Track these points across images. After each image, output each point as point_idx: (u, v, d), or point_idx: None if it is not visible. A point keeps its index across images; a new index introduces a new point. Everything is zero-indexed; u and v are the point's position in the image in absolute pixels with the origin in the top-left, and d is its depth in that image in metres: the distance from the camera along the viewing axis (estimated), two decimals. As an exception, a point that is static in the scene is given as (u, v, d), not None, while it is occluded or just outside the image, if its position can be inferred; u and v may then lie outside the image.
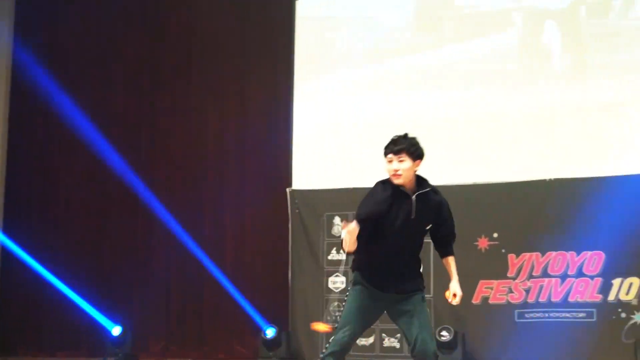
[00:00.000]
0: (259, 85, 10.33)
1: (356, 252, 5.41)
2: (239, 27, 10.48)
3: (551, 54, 9.26)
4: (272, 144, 10.17)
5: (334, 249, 9.65)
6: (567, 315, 8.78)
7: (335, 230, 9.66)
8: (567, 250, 8.80)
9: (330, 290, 9.63)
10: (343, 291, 9.56)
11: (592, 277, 8.76)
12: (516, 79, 9.28)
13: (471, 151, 9.35)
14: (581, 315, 8.76)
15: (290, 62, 10.02)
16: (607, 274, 8.70)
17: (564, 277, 8.82)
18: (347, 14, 10.05)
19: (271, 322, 9.63)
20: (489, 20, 9.52)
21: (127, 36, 11.02)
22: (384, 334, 9.44)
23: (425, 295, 5.68)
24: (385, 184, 5.50)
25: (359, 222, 5.24)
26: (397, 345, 9.35)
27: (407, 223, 5.40)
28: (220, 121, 10.55)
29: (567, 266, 8.82)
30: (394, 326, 9.18)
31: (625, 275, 8.63)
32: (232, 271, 10.01)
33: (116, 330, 9.91)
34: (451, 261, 5.69)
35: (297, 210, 9.78)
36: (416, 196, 5.44)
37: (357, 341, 9.40)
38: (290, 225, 9.80)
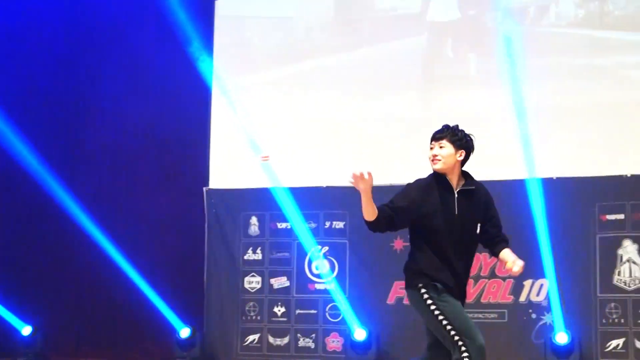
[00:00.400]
0: (177, 84, 10.26)
1: (417, 253, 5.32)
2: (158, 25, 10.39)
3: (461, 60, 9.44)
4: (190, 143, 10.12)
5: (250, 248, 9.68)
6: (480, 315, 8.96)
7: (252, 230, 9.68)
8: (480, 252, 8.96)
9: (246, 291, 9.65)
10: (259, 291, 9.61)
11: (504, 279, 8.96)
12: (426, 82, 9.45)
13: (388, 151, 9.43)
14: (493, 315, 8.96)
15: (209, 60, 9.99)
16: (519, 276, 8.85)
17: (477, 278, 9.00)
18: (266, 14, 10.10)
19: (187, 322, 9.61)
20: (405, 24, 9.66)
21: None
22: (299, 334, 9.51)
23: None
24: (434, 176, 5.39)
25: (395, 207, 5.22)
26: (312, 346, 9.44)
27: (452, 219, 5.29)
28: (139, 119, 10.44)
29: (481, 268, 9.01)
30: (309, 326, 9.43)
31: (536, 277, 8.83)
32: (147, 270, 9.92)
33: (26, 330, 9.75)
34: (506, 251, 5.58)
35: (213, 210, 9.77)
36: (458, 192, 5.34)
37: (272, 341, 9.59)
38: (206, 225, 9.79)
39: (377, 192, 8.34)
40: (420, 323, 8.73)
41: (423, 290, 5.23)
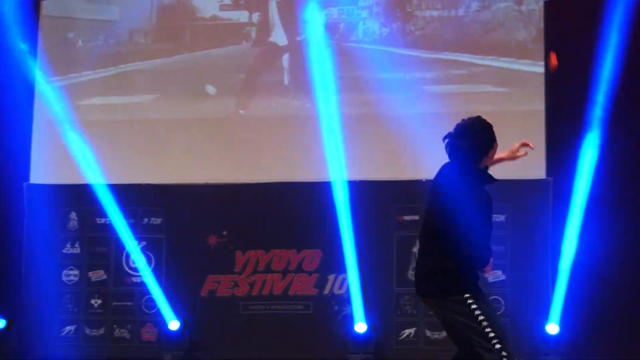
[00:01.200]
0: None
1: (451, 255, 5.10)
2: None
3: (278, 69, 10.02)
4: (11, 139, 10.16)
5: (69, 243, 9.89)
6: (287, 307, 9.55)
7: (71, 225, 9.91)
8: (288, 248, 9.56)
9: (64, 283, 9.85)
10: (77, 284, 9.84)
11: (310, 273, 9.58)
12: (249, 88, 9.97)
13: (202, 152, 9.85)
14: (299, 307, 9.56)
15: (34, 59, 10.09)
16: (323, 270, 9.55)
17: (285, 272, 9.59)
18: (91, 17, 10.26)
19: (2, 315, 9.66)
20: (225, 33, 10.15)
21: None
22: (114, 325, 9.78)
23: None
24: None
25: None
26: (128, 336, 9.76)
27: None
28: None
29: (289, 263, 9.59)
30: (125, 317, 9.70)
31: (339, 272, 9.46)
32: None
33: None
34: None
35: (33, 205, 9.89)
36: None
37: (88, 332, 9.81)
38: (25, 220, 9.90)
39: (189, 189, 8.89)
40: (236, 316, 9.43)
41: (470, 300, 5.10)
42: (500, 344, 5.01)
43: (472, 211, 5.07)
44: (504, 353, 5.01)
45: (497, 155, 5.37)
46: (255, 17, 9.99)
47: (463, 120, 5.25)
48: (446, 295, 5.13)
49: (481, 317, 5.04)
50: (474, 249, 5.10)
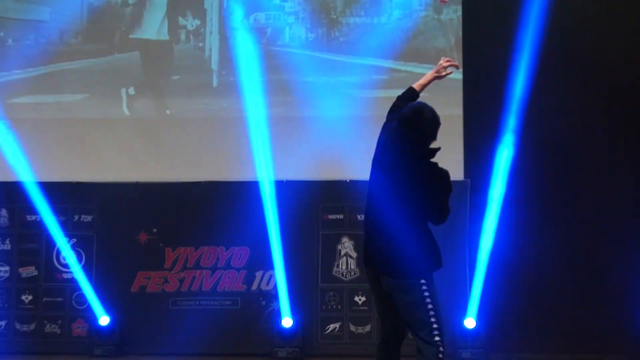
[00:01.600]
0: None
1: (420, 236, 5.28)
2: None
3: (207, 71, 10.25)
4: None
5: (-1, 239, 10.00)
6: (216, 303, 9.78)
7: (1, 221, 9.96)
8: (217, 245, 9.77)
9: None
10: (7, 280, 9.88)
11: (238, 270, 9.83)
12: (182, 89, 10.18)
13: (132, 151, 10.02)
14: (228, 303, 9.79)
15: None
16: (251, 267, 9.81)
17: (214, 269, 9.82)
18: (22, 16, 10.33)
19: None
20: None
21: None
22: (45, 321, 9.89)
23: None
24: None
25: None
26: (58, 331, 9.90)
27: None
28: None
29: (217, 259, 9.82)
30: (55, 313, 9.80)
31: (266, 268, 9.72)
32: None
33: None
34: None
35: None
36: None
37: (19, 327, 9.87)
38: None
39: (119, 187, 9.06)
40: (165, 312, 9.63)
41: (425, 287, 5.20)
42: (439, 337, 5.16)
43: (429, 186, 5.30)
44: (441, 349, 5.17)
45: (423, 79, 5.74)
46: (189, 20, 10.18)
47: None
48: (403, 276, 5.16)
49: (430, 306, 5.14)
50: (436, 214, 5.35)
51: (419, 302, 5.16)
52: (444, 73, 5.80)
